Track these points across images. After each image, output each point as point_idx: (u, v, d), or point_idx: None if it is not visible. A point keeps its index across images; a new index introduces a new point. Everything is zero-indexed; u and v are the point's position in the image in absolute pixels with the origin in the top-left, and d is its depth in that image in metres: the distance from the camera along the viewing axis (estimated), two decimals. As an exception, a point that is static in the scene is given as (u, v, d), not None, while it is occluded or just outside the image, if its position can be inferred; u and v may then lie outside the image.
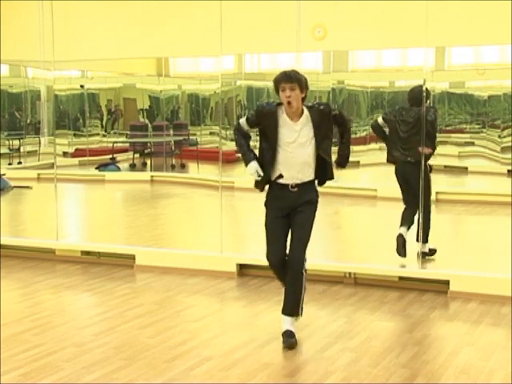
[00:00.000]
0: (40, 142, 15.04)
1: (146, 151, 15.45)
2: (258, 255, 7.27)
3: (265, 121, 4.87)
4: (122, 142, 15.88)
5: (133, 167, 15.09)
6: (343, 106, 15.52)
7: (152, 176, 14.09)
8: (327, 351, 4.81)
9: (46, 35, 7.50)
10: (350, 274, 6.62)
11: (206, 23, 7.25)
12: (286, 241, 5.09)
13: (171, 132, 15.86)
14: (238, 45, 7.45)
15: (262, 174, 5.00)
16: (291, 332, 4.95)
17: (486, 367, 4.54)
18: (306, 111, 4.85)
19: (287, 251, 5.04)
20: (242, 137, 5.08)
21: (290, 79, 4.75)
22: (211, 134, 16.01)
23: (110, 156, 14.99)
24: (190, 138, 15.92)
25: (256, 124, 4.95)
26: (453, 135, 13.47)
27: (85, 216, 10.87)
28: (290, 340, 4.89)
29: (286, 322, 5.01)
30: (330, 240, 8.84)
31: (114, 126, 16.41)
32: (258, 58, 15.10)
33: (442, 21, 6.42)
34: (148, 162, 15.16)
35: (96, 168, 14.32)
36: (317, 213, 5.06)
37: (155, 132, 15.83)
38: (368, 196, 11.35)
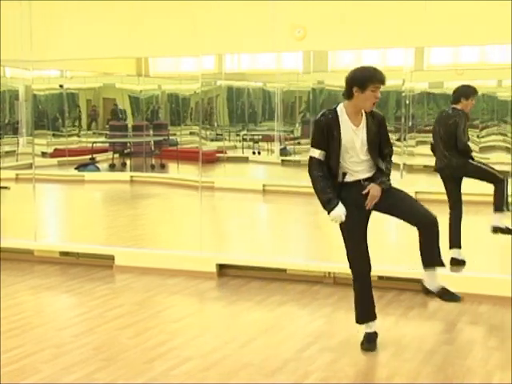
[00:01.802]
0: (18, 142, 14.94)
1: (125, 151, 15.40)
2: (238, 255, 7.30)
3: (328, 130, 4.64)
4: (102, 142, 15.81)
5: (112, 167, 15.04)
6: (323, 106, 15.56)
7: (132, 176, 14.04)
8: (307, 351, 4.82)
9: (25, 35, 7.45)
10: (329, 273, 6.64)
11: (186, 23, 7.23)
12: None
13: (151, 132, 15.83)
14: (218, 45, 7.44)
15: (344, 219, 4.77)
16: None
17: (464, 366, 4.57)
18: (363, 112, 4.70)
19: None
20: (320, 178, 4.73)
21: (384, 81, 4.60)
22: (191, 134, 16.00)
23: (90, 156, 14.93)
24: (170, 138, 15.91)
25: (324, 141, 4.67)
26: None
27: (64, 216, 10.82)
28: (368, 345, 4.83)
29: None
30: (309, 240, 8.86)
31: (92, 125, 16.35)
32: (238, 57, 15.11)
33: (422, 21, 6.45)
34: (128, 162, 15.12)
35: (75, 168, 14.26)
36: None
37: (135, 132, 15.79)
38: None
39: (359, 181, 4.74)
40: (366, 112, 4.68)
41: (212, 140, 15.84)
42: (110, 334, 5.20)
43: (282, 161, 14.79)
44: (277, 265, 6.82)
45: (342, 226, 4.84)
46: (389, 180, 4.77)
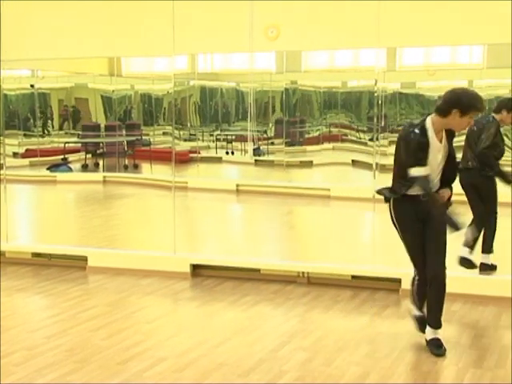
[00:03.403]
0: (-12, 143, 14.77)
1: (98, 151, 15.31)
2: (212, 255, 7.30)
3: (420, 147, 4.64)
4: (74, 143, 15.71)
5: (85, 168, 14.94)
6: (296, 106, 15.61)
7: (104, 176, 13.96)
8: (281, 351, 4.83)
9: (-5, 33, 7.38)
10: (303, 273, 6.65)
11: (159, 22, 7.20)
12: None
13: (124, 132, 15.75)
14: (191, 44, 7.41)
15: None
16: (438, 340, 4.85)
17: (437, 363, 4.61)
18: (445, 131, 4.74)
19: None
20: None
21: (482, 110, 4.75)
22: (164, 134, 15.96)
23: (62, 156, 14.82)
24: (143, 138, 15.85)
25: (423, 156, 4.65)
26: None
27: (36, 217, 10.73)
28: (439, 351, 4.78)
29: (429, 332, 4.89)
30: (283, 240, 8.88)
31: (64, 125, 16.23)
32: (211, 57, 15.09)
33: (394, 22, 6.48)
34: (100, 162, 15.03)
35: (47, 169, 14.14)
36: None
37: (108, 132, 15.70)
38: (321, 196, 11.42)
39: (418, 196, 4.71)
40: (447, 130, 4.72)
41: (185, 140, 15.80)
42: (83, 335, 5.16)
43: (256, 161, 14.80)
44: (251, 265, 6.82)
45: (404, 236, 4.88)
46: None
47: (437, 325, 4.85)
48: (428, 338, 4.86)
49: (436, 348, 4.78)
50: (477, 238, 6.60)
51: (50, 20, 7.53)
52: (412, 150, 4.63)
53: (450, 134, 4.77)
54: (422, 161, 4.63)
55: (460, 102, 4.57)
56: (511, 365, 4.59)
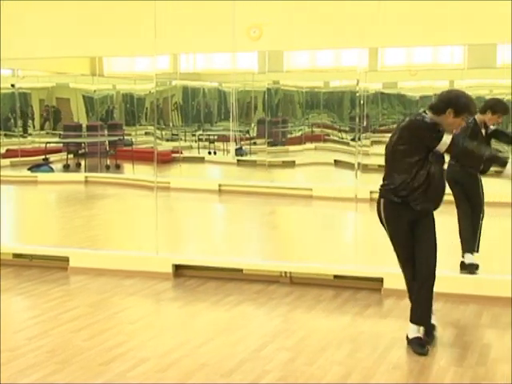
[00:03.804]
0: (-31, 143, 14.68)
1: (80, 152, 15.24)
2: (194, 255, 7.29)
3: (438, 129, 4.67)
4: (56, 143, 15.63)
5: (67, 168, 14.87)
6: (279, 106, 15.63)
7: (86, 177, 13.91)
8: (263, 350, 4.83)
9: (-25, 33, 7.32)
10: (285, 273, 6.66)
11: (141, 22, 7.18)
12: None
13: (106, 132, 15.70)
14: (172, 44, 7.41)
15: None
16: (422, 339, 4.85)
17: (419, 362, 4.63)
18: None
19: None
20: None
21: (474, 115, 4.85)
22: (146, 134, 15.93)
23: (43, 157, 14.74)
24: (125, 138, 15.80)
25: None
26: (386, 135, 13.68)
27: (17, 218, 10.65)
28: (423, 350, 4.78)
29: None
30: (266, 240, 8.88)
31: (45, 125, 16.15)
32: (193, 57, 15.08)
33: (375, 22, 6.51)
34: (82, 162, 14.96)
35: (28, 169, 14.05)
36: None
37: (89, 132, 15.64)
38: (304, 195, 11.45)
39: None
40: None
41: (168, 140, 15.78)
42: (64, 336, 5.14)
43: (238, 161, 14.81)
44: (233, 265, 6.82)
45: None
46: None
47: (423, 322, 4.86)
48: (411, 337, 4.87)
49: (420, 347, 4.79)
50: (471, 235, 6.60)
51: (31, 19, 7.50)
52: (429, 131, 4.61)
53: None
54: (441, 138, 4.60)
55: (457, 102, 4.62)
56: (492, 363, 4.63)
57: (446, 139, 4.59)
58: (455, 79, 11.81)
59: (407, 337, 4.89)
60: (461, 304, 5.87)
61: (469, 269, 6.47)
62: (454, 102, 4.62)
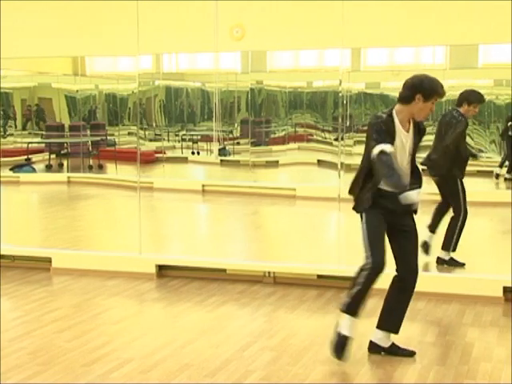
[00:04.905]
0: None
1: (62, 152, 15.16)
2: (178, 256, 7.27)
3: (387, 130, 4.58)
4: (38, 143, 15.54)
5: (49, 168, 14.79)
6: (262, 106, 15.62)
7: (69, 177, 13.85)
8: (247, 350, 4.83)
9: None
10: (269, 273, 6.67)
11: (123, 22, 7.16)
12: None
13: (88, 132, 15.62)
14: (155, 44, 7.39)
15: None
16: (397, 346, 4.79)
17: (402, 362, 4.65)
18: (412, 122, 4.70)
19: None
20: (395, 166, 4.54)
21: (443, 95, 4.65)
22: (129, 134, 15.85)
23: (25, 157, 14.65)
24: (108, 138, 15.72)
25: (388, 137, 4.55)
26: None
27: (-1, 218, 10.58)
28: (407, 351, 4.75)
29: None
30: (249, 240, 8.89)
31: (27, 125, 16.04)
32: (176, 57, 15.04)
33: (358, 22, 6.53)
34: (65, 162, 14.89)
35: (10, 169, 13.96)
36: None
37: (72, 132, 15.56)
38: (287, 195, 11.46)
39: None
40: (414, 121, 4.68)
41: (151, 140, 15.72)
42: (47, 337, 5.11)
43: (222, 161, 14.79)
44: (216, 265, 6.82)
45: (366, 223, 4.70)
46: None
47: (397, 329, 4.77)
48: (386, 346, 4.76)
49: (402, 350, 4.77)
50: (455, 232, 6.67)
51: (13, 18, 7.45)
52: (378, 129, 4.56)
53: (421, 130, 4.73)
54: (388, 139, 4.53)
55: (423, 86, 4.58)
56: (474, 361, 4.66)
57: (375, 150, 4.50)
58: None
59: (382, 346, 4.78)
60: (443, 303, 5.91)
61: (449, 264, 6.60)
62: (419, 87, 4.58)
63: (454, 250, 6.78)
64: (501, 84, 13.12)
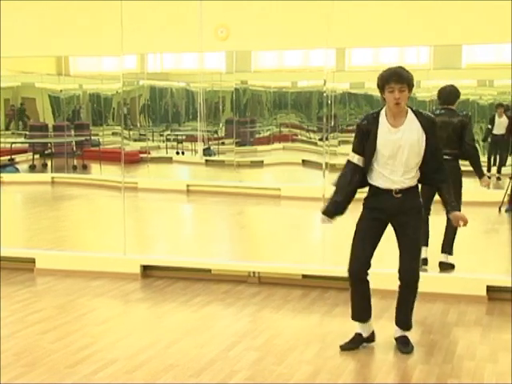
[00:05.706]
0: None
1: (46, 152, 15.10)
2: (162, 256, 7.26)
3: (367, 132, 4.58)
4: (21, 143, 15.46)
5: (33, 168, 14.72)
6: (247, 106, 15.63)
7: (53, 177, 13.79)
8: (232, 351, 4.83)
9: None
10: (253, 273, 6.67)
11: (107, 22, 7.14)
12: (375, 249, 4.74)
13: (72, 132, 15.57)
14: (140, 44, 7.37)
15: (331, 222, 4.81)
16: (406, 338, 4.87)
17: (386, 361, 4.66)
18: (410, 114, 4.59)
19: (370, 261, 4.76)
20: (344, 179, 4.70)
21: (401, 80, 4.46)
22: (114, 134, 15.81)
23: (9, 157, 14.57)
24: (92, 138, 15.68)
25: (362, 145, 4.62)
26: (354, 135, 13.76)
27: (-18, 219, 10.52)
28: (406, 349, 4.81)
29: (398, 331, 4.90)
30: (234, 240, 8.89)
31: (11, 125, 15.96)
32: (160, 57, 15.02)
33: (343, 22, 6.54)
34: (48, 163, 14.82)
35: (-7, 169, 13.89)
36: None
37: (56, 132, 15.50)
38: (272, 195, 11.47)
39: (391, 190, 4.60)
40: (414, 113, 4.59)
41: (135, 140, 15.69)
42: (31, 338, 5.09)
43: (206, 161, 14.79)
44: (201, 265, 6.81)
45: (357, 226, 4.76)
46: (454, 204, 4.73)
47: (405, 326, 4.90)
48: (396, 336, 4.90)
49: (403, 346, 4.83)
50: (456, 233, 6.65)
51: (-4, 18, 7.40)
52: (357, 134, 4.67)
53: (422, 121, 4.58)
54: (361, 148, 4.63)
55: (381, 77, 4.57)
56: (458, 360, 4.68)
57: (352, 157, 4.67)
58: (421, 79, 11.90)
59: (394, 337, 4.92)
60: (427, 302, 5.93)
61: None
62: (380, 78, 4.59)
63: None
64: (484, 84, 13.21)
